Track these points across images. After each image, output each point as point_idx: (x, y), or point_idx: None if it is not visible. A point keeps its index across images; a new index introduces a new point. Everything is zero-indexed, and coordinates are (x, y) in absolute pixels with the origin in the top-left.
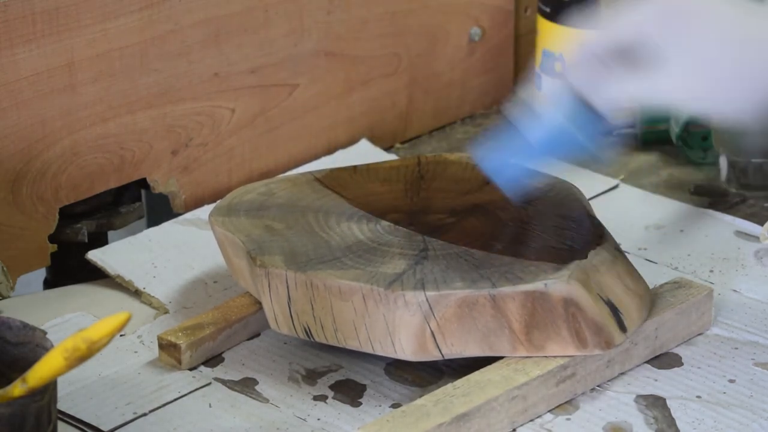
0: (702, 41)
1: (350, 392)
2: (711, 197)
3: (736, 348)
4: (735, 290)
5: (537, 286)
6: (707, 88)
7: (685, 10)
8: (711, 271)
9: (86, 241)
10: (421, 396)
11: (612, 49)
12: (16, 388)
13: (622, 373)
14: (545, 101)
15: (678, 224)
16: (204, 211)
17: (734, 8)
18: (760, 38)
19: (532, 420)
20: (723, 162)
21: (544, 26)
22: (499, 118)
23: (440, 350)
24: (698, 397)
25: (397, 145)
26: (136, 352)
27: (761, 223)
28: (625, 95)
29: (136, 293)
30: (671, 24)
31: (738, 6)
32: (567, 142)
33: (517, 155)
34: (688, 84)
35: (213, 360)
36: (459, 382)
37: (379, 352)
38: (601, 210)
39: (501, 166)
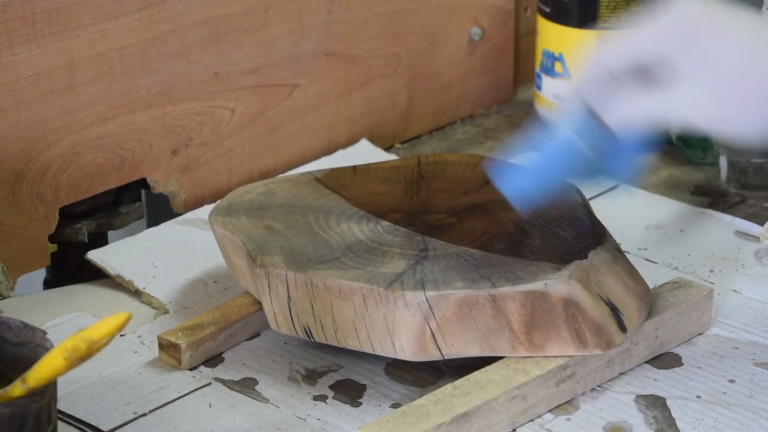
0: (718, 57)
1: (350, 392)
2: (711, 197)
3: (736, 348)
4: (735, 290)
5: (537, 286)
6: (724, 107)
7: (700, 25)
8: (711, 271)
9: (86, 241)
10: (421, 396)
11: (625, 65)
12: (16, 388)
13: (622, 373)
14: (557, 115)
15: (678, 224)
16: (204, 211)
17: (750, 21)
18: None
19: (532, 420)
20: (723, 162)
21: (544, 26)
22: (514, 130)
23: (440, 350)
24: (698, 397)
25: (397, 145)
26: (136, 352)
27: (761, 223)
28: (639, 113)
29: (136, 293)
30: (685, 39)
31: (754, 19)
32: (576, 160)
33: (529, 168)
34: (704, 102)
35: (213, 360)
36: (459, 382)
37: (379, 352)
38: (601, 210)
39: (510, 176)
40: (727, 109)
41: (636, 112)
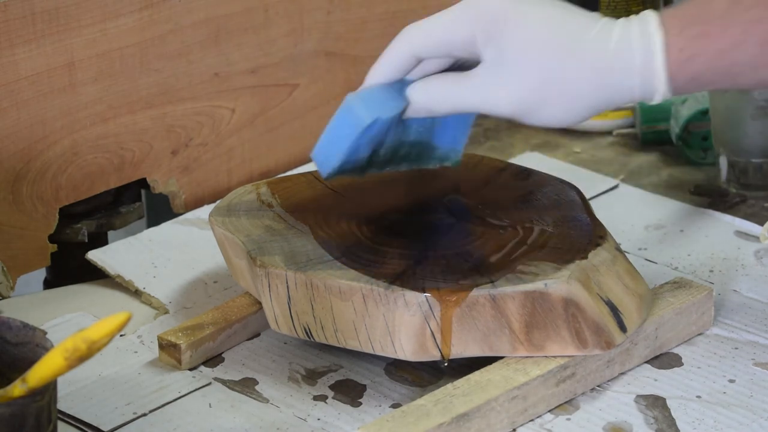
0: (517, 48)
1: (350, 392)
2: (711, 197)
3: (736, 348)
4: (735, 290)
5: (537, 286)
6: (525, 98)
7: (504, 14)
8: (711, 271)
9: (86, 241)
10: (421, 396)
11: (433, 50)
12: (16, 388)
13: (622, 373)
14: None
15: (678, 224)
16: (204, 211)
17: (551, 12)
18: (578, 46)
19: (532, 420)
20: (723, 162)
21: None
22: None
23: (440, 350)
24: (698, 397)
25: None
26: (136, 352)
27: (761, 223)
28: (445, 98)
29: (136, 293)
30: (489, 29)
31: (557, 10)
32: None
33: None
34: (505, 93)
35: (213, 360)
36: (459, 382)
37: (379, 353)
38: (601, 210)
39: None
40: (529, 100)
41: (442, 96)
